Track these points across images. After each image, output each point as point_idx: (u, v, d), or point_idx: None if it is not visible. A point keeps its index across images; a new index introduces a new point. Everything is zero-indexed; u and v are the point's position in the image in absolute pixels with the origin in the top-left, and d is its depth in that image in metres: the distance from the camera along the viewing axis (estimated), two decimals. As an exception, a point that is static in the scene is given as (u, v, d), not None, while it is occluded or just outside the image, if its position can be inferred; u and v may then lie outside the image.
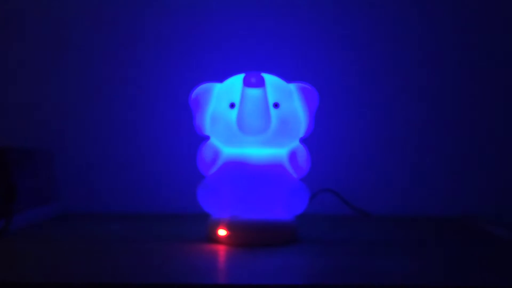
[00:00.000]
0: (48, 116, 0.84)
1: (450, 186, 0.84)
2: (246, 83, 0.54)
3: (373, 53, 0.85)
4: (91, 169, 0.84)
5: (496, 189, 0.83)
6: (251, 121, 0.54)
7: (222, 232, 0.55)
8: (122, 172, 0.84)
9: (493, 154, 0.84)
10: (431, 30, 0.85)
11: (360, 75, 0.85)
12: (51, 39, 0.85)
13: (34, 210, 0.70)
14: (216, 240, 0.56)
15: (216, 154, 0.57)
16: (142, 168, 0.84)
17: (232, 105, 0.56)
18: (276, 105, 0.55)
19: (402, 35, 0.85)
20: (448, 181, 0.84)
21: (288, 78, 0.59)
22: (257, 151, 0.56)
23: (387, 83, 0.85)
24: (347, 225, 0.72)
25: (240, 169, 0.56)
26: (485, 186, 0.84)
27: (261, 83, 0.54)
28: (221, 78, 0.59)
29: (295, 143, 0.58)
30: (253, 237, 0.55)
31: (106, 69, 0.85)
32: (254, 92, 0.54)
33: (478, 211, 0.81)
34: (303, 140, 0.59)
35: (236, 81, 0.57)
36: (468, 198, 0.83)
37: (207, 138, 0.59)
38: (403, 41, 0.85)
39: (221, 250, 0.53)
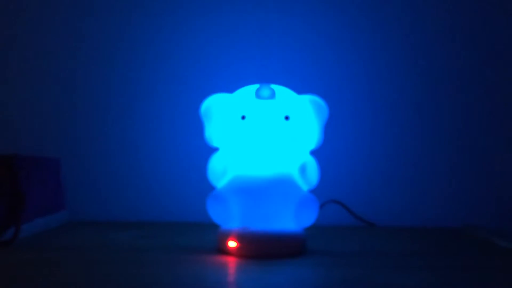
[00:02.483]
0: (56, 125, 0.85)
1: (452, 197, 0.84)
2: (258, 95, 0.54)
3: (382, 65, 0.85)
4: (98, 178, 0.84)
5: (497, 199, 0.84)
6: (262, 133, 0.54)
7: (232, 244, 0.55)
8: (130, 181, 0.84)
9: (494, 164, 0.84)
10: (444, 41, 0.85)
11: (369, 87, 0.85)
12: (59, 48, 0.85)
13: (42, 219, 0.70)
14: (226, 251, 0.56)
15: (226, 165, 0.57)
16: (151, 178, 0.84)
17: (243, 117, 0.56)
18: (286, 118, 0.56)
19: (413, 47, 0.85)
20: (450, 192, 0.84)
21: (298, 90, 0.60)
22: (267, 163, 0.56)
23: (395, 96, 0.85)
24: (353, 235, 0.72)
25: (250, 180, 0.56)
26: (487, 196, 0.84)
27: (272, 96, 0.54)
28: (231, 89, 0.60)
29: (305, 155, 0.58)
30: (263, 248, 0.54)
31: (114, 79, 0.85)
32: (265, 104, 0.54)
33: (479, 221, 0.81)
34: (312, 152, 0.60)
35: (247, 92, 0.57)
36: (469, 208, 0.83)
37: (217, 149, 0.59)
38: (415, 53, 0.85)
39: (231, 262, 0.53)
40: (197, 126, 0.61)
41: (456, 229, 0.78)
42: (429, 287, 0.45)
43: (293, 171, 0.57)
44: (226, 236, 0.56)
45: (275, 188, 0.56)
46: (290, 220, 0.56)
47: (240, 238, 0.55)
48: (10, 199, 0.62)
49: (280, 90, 0.57)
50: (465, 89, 0.85)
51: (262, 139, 0.54)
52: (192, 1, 0.85)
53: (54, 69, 0.85)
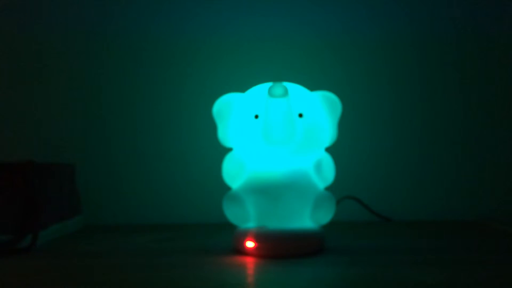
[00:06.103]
0: (70, 131, 0.85)
1: (468, 189, 0.83)
2: (271, 94, 0.54)
3: (396, 61, 0.84)
4: (113, 182, 0.84)
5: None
6: (276, 131, 0.53)
7: (250, 244, 0.55)
8: (145, 184, 0.84)
9: (508, 156, 0.84)
10: (455, 37, 0.84)
11: (382, 83, 0.84)
12: (72, 55, 0.85)
13: (58, 224, 0.70)
14: (244, 252, 0.56)
15: (241, 165, 0.57)
16: (165, 180, 0.84)
17: (256, 116, 0.55)
18: (300, 115, 0.55)
19: (426, 43, 0.84)
20: (466, 185, 0.83)
21: (311, 87, 0.59)
22: (283, 161, 0.56)
23: (409, 91, 0.84)
24: (370, 231, 0.72)
25: (265, 179, 0.55)
26: (502, 188, 0.83)
27: (285, 94, 0.54)
28: (243, 88, 0.59)
29: (320, 152, 0.58)
30: (281, 248, 0.54)
31: (127, 83, 0.85)
32: (278, 102, 0.54)
33: (495, 213, 0.81)
34: (327, 149, 0.59)
35: (259, 91, 0.57)
36: (483, 201, 0.83)
37: (231, 149, 0.59)
38: (426, 49, 0.84)
39: (249, 262, 0.53)
40: (211, 127, 0.60)
41: (472, 222, 0.78)
42: (449, 284, 0.44)
43: (309, 169, 0.57)
44: (243, 236, 0.56)
45: (291, 187, 0.55)
46: (307, 218, 0.56)
47: (257, 238, 0.55)
48: (26, 206, 0.62)
49: (293, 88, 0.56)
50: (475, 81, 0.84)
51: (277, 138, 0.54)
52: (203, 2, 0.85)
53: (67, 75, 0.85)
